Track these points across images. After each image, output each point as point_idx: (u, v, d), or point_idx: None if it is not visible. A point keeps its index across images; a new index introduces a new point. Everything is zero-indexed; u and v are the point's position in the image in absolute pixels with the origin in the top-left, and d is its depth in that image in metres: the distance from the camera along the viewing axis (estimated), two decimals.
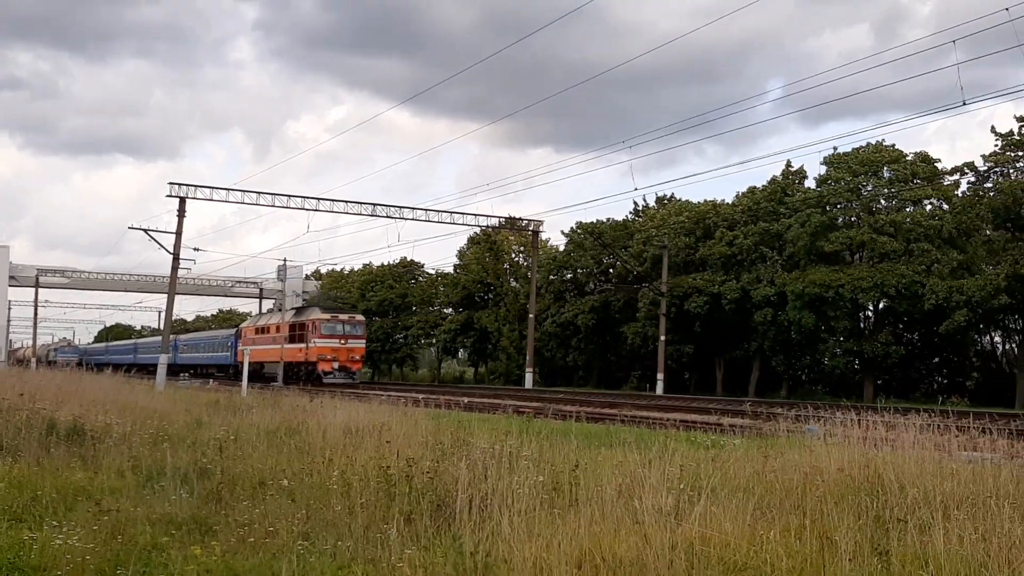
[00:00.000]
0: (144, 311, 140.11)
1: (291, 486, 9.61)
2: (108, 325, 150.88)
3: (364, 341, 55.88)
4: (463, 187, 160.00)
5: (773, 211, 48.74)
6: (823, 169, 47.16)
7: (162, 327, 61.14)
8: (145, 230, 47.77)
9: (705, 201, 56.05)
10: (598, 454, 10.98)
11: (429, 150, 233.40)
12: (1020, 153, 40.75)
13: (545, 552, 6.37)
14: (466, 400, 28.59)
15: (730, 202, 53.70)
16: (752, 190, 51.84)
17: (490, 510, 7.58)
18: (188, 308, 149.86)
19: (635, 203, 63.77)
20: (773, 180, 50.53)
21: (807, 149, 68.18)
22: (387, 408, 18.24)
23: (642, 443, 11.92)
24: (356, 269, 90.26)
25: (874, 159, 45.57)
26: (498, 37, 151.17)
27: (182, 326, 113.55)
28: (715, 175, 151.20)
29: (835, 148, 47.07)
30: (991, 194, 41.44)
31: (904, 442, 11.41)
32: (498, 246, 72.31)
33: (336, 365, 51.16)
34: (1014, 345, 45.16)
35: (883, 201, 45.77)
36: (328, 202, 52.43)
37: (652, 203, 62.25)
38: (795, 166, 50.07)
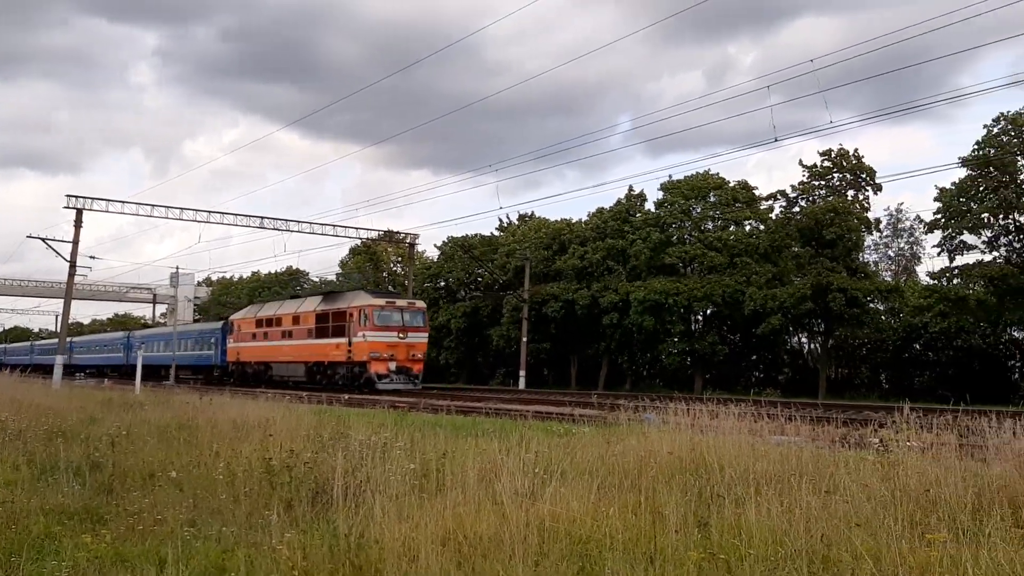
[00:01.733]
0: (42, 315, 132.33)
1: (179, 477, 9.28)
2: (6, 328, 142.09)
3: (427, 335, 39.88)
4: (348, 203, 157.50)
5: (619, 229, 49.86)
6: (661, 193, 48.58)
7: (59, 330, 57.88)
8: (43, 239, 45.11)
9: (561, 219, 56.91)
10: (464, 443, 10.98)
11: (316, 168, 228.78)
12: (821, 183, 42.91)
13: (414, 532, 6.35)
14: (346, 396, 28.15)
15: (582, 221, 54.70)
16: (601, 211, 52.89)
17: (364, 496, 7.51)
18: (85, 312, 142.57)
19: (500, 220, 64.26)
20: (618, 202, 51.71)
21: (649, 176, 70.32)
22: (272, 405, 17.79)
23: (504, 433, 12.01)
24: (245, 277, 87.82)
25: (703, 185, 47.22)
26: (382, 69, 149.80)
27: (78, 330, 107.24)
28: (572, 197, 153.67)
29: (670, 176, 48.73)
30: (798, 217, 43.47)
31: (725, 428, 11.81)
32: (377, 257, 71.61)
33: (393, 366, 36.30)
34: (817, 345, 47.46)
35: (710, 222, 47.43)
36: (219, 215, 50.75)
37: (515, 220, 62.85)
38: (637, 190, 51.41)
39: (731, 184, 47.62)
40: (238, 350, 48.32)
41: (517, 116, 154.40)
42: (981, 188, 35.73)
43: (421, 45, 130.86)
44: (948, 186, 36.67)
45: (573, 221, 55.55)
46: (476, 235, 62.91)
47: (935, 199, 37.01)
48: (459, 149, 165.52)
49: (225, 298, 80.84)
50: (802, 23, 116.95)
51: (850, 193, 42.75)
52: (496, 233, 62.94)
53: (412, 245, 60.27)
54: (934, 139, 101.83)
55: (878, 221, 45.41)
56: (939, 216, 36.99)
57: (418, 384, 37.17)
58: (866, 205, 42.80)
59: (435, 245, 68.02)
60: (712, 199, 47.47)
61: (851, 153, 42.21)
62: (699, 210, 47.48)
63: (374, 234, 58.09)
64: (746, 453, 9.80)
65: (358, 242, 65.98)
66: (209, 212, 49.85)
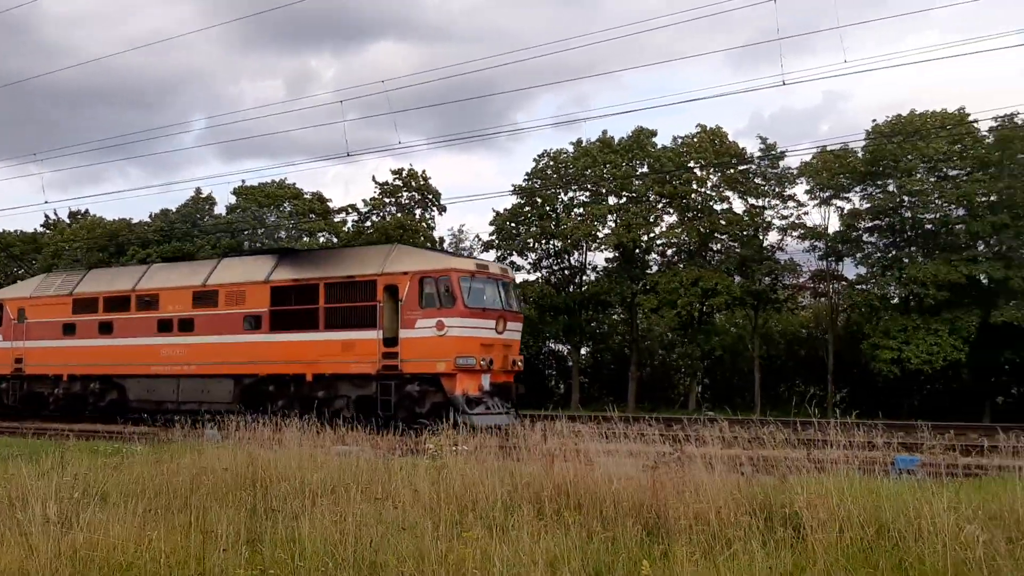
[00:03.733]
0: None
1: None
2: None
3: (521, 326, 24.30)
4: None
5: (187, 232, 47.52)
6: (235, 198, 47.34)
7: None
8: None
9: (120, 219, 52.61)
10: None
11: None
12: (392, 200, 44.93)
13: None
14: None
15: (144, 221, 51.14)
16: (166, 212, 49.95)
17: None
18: None
19: (47, 216, 57.68)
20: (185, 204, 49.28)
21: (222, 179, 67.70)
22: None
23: (37, 455, 10.82)
24: None
25: (278, 194, 46.90)
26: None
27: None
28: (135, 195, 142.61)
29: (244, 180, 47.69)
30: (369, 231, 44.99)
31: (289, 441, 11.82)
32: None
33: (487, 382, 21.38)
34: None
35: (284, 231, 47.22)
36: None
37: (65, 218, 56.88)
38: (206, 193, 49.40)
39: (307, 195, 47.91)
40: (19, 355, 28.56)
41: (81, 104, 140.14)
42: (529, 215, 40.01)
43: None
44: (502, 211, 40.53)
45: (134, 221, 51.71)
46: (17, 231, 55.89)
47: (490, 222, 40.72)
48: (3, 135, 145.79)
49: None
50: (381, 46, 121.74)
51: (418, 211, 45.30)
52: (41, 230, 56.43)
53: None
54: (495, 168, 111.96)
55: (442, 240, 48.72)
56: (493, 238, 40.74)
57: (516, 414, 21.54)
58: (432, 224, 45.66)
59: None
60: (287, 208, 47.32)
61: (420, 174, 44.77)
62: (274, 218, 47.04)
63: None
64: (306, 465, 9.89)
65: None
66: None
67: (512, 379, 22.41)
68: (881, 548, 6.77)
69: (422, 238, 44.29)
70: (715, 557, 6.46)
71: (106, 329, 26.78)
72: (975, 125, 30.70)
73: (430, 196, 45.16)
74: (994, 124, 30.42)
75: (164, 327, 25.49)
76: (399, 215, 44.21)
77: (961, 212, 30.73)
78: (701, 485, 8.01)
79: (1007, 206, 29.32)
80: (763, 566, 6.25)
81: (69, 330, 27.60)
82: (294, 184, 47.89)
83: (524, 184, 40.01)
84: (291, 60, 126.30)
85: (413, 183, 44.62)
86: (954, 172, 30.92)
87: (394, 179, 44.62)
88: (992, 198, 29.91)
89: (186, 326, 25.12)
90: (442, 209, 45.46)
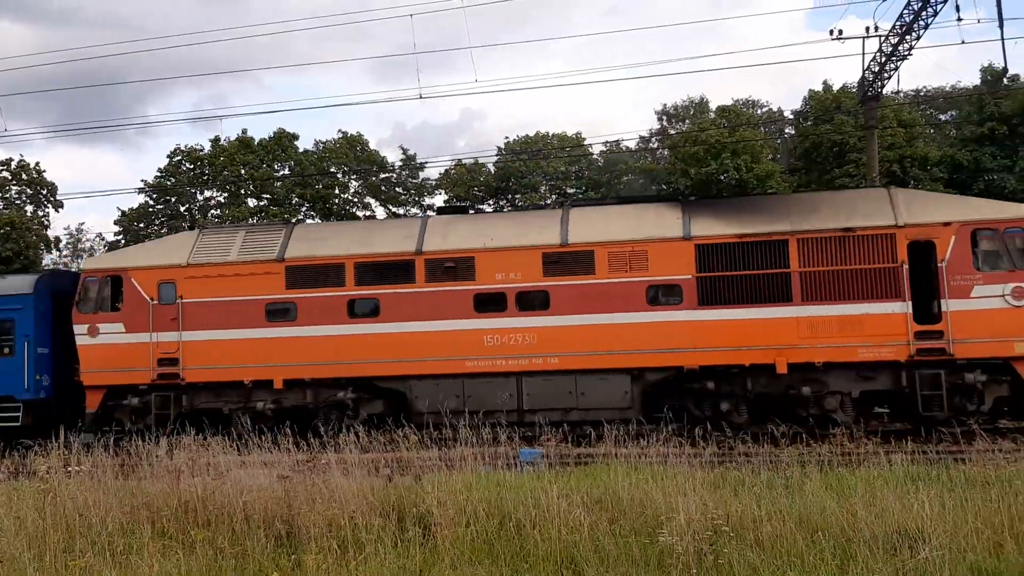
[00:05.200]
0: None
1: None
2: None
3: None
4: None
5: None
6: None
7: None
8: None
9: None
10: None
11: None
12: None
13: None
14: None
15: None
16: None
17: None
18: None
19: None
20: None
21: None
22: None
23: None
24: None
25: None
26: None
27: None
28: None
29: None
30: None
31: None
32: None
33: None
34: None
35: None
36: None
37: None
38: None
39: None
40: (168, 353, 18.87)
41: None
42: (160, 214, 37.55)
43: None
44: (128, 210, 37.63)
45: None
46: None
47: (115, 222, 37.67)
48: None
49: None
50: None
51: (29, 208, 40.56)
52: None
53: None
54: (122, 163, 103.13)
55: (59, 239, 44.01)
56: (119, 238, 37.72)
57: None
58: (46, 222, 41.13)
59: None
60: None
61: (33, 166, 40.14)
62: None
63: None
64: None
65: None
66: None
67: None
68: (504, 538, 7.19)
69: (34, 237, 39.70)
70: (348, 562, 6.46)
71: (365, 310, 18.75)
72: (589, 148, 34.24)
73: (44, 191, 40.64)
74: (604, 148, 34.24)
75: (488, 304, 18.35)
76: (7, 211, 39.25)
77: None
78: (336, 491, 7.97)
79: None
80: (394, 566, 6.36)
81: (281, 314, 18.92)
82: None
83: (155, 181, 37.50)
84: None
85: (24, 176, 39.87)
86: (571, 190, 34.12)
87: (1, 171, 39.56)
88: None
89: (532, 302, 18.26)
90: (58, 205, 41.13)
